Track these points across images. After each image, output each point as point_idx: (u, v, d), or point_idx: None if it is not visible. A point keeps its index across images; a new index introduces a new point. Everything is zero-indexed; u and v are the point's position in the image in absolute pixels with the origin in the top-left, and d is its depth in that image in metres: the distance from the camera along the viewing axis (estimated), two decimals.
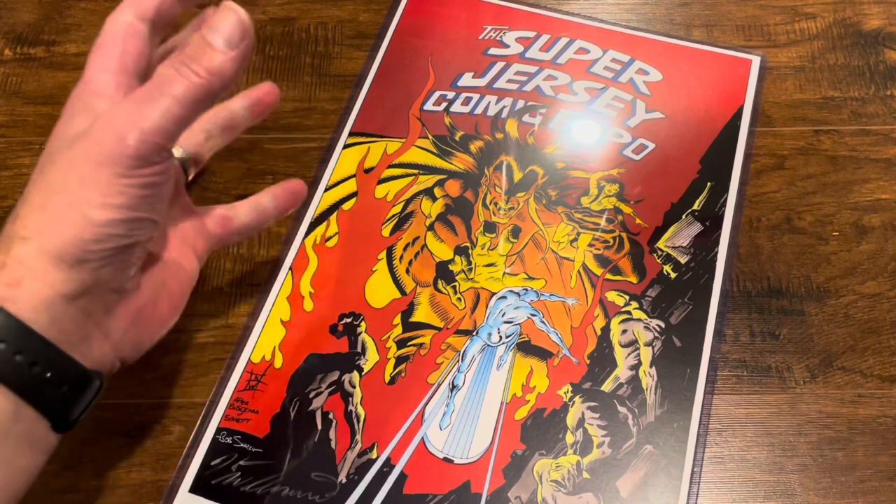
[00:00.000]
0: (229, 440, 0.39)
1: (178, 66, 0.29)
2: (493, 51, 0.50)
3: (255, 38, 0.30)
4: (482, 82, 0.49)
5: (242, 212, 0.39)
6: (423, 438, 0.39)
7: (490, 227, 0.44)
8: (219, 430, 0.39)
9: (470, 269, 0.43)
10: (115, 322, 0.31)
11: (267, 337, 0.41)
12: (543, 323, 0.41)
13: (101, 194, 0.29)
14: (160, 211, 0.31)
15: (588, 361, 0.40)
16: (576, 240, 0.44)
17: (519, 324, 0.41)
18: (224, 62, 0.29)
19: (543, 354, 0.41)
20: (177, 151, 0.38)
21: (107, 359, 0.32)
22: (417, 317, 0.42)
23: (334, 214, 0.45)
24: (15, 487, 0.29)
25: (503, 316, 0.42)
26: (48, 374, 0.28)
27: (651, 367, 0.40)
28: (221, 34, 0.29)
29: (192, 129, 0.38)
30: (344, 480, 0.38)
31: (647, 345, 0.41)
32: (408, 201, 0.45)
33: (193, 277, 0.36)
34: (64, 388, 0.29)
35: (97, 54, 0.31)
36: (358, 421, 0.39)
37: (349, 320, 0.42)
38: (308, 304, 0.42)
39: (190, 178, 0.39)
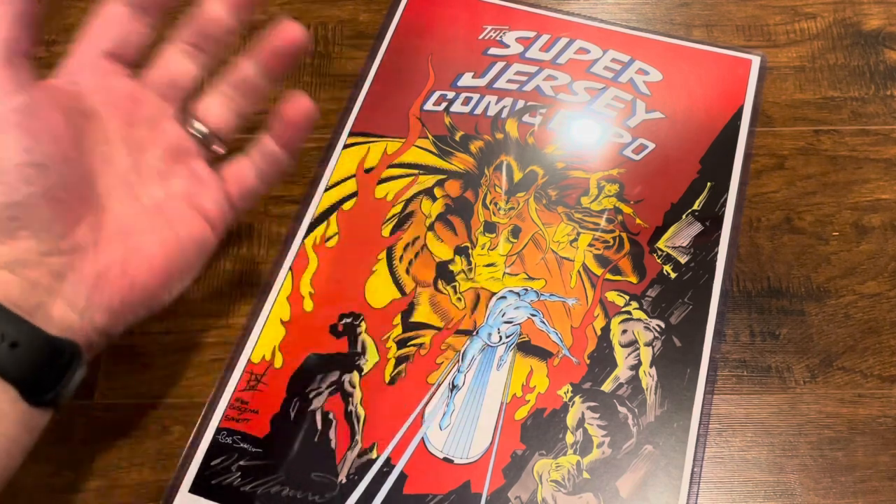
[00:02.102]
0: (229, 440, 0.39)
1: None
2: (493, 51, 0.50)
3: None
4: (482, 82, 0.49)
5: (255, 159, 0.36)
6: (423, 438, 0.39)
7: (490, 227, 0.45)
8: (219, 430, 0.39)
9: (470, 269, 0.43)
10: (72, 287, 0.29)
11: (267, 337, 0.41)
12: (543, 323, 0.41)
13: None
14: (45, 155, 0.29)
15: (588, 361, 0.40)
16: (576, 240, 0.44)
17: (519, 324, 0.41)
18: None
19: (543, 354, 0.41)
20: (195, 127, 0.36)
21: (76, 327, 0.30)
22: (417, 317, 0.42)
23: (334, 214, 0.45)
24: None
25: (503, 316, 0.42)
26: None
27: (651, 367, 0.40)
28: None
29: (206, 99, 0.36)
30: (344, 480, 0.38)
31: (647, 345, 0.41)
32: (408, 201, 0.45)
33: (199, 243, 0.34)
34: (19, 350, 0.27)
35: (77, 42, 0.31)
36: (358, 421, 0.39)
37: (349, 320, 0.42)
38: (308, 304, 0.42)
39: (222, 151, 0.36)
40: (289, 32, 0.35)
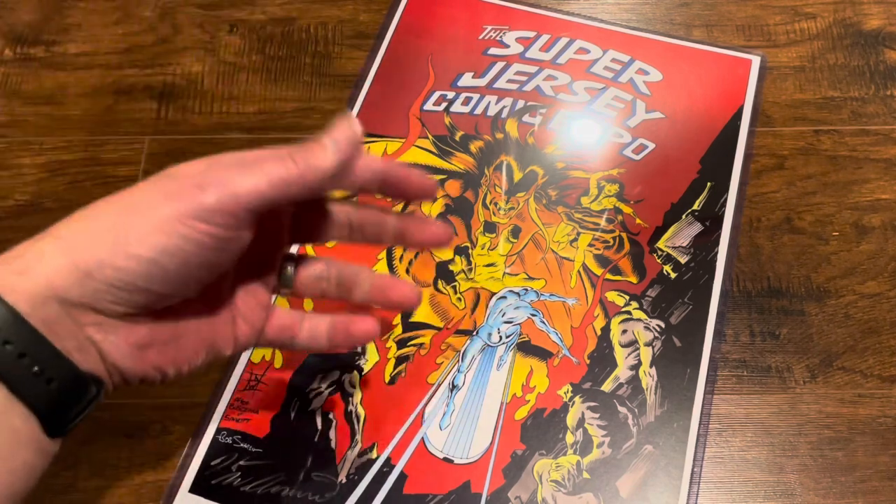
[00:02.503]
0: (229, 440, 0.39)
1: (282, 152, 0.30)
2: (493, 51, 0.50)
3: (360, 148, 0.31)
4: (482, 82, 0.49)
5: (304, 332, 0.36)
6: (423, 438, 0.39)
7: (490, 227, 0.44)
8: (219, 430, 0.39)
9: (470, 269, 0.43)
10: (111, 347, 0.30)
11: None
12: (543, 323, 0.41)
13: (149, 228, 0.28)
14: (192, 278, 0.30)
15: (588, 361, 0.40)
16: (576, 240, 0.44)
17: (519, 324, 0.41)
18: (323, 159, 0.30)
19: (543, 354, 0.41)
20: (288, 269, 0.35)
21: (101, 376, 0.31)
22: (417, 317, 0.42)
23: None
24: (13, 487, 0.29)
25: (503, 316, 0.42)
26: (35, 368, 0.28)
27: (651, 367, 0.40)
28: (331, 135, 0.31)
29: (314, 261, 0.36)
30: (344, 480, 0.38)
31: (647, 345, 0.41)
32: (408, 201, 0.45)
33: (217, 354, 0.34)
34: (53, 386, 0.28)
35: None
36: (358, 421, 0.39)
37: None
38: (308, 304, 0.42)
39: (281, 294, 0.36)
40: (407, 291, 0.36)
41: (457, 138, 0.47)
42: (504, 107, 0.48)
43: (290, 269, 0.35)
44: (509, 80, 0.49)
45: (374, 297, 0.36)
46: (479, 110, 0.48)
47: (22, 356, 0.28)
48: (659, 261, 0.43)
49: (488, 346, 0.41)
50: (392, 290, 0.35)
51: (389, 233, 0.35)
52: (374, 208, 0.35)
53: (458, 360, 0.41)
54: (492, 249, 0.44)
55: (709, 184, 0.45)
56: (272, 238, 0.34)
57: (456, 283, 0.43)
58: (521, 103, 0.48)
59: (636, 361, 0.40)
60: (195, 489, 0.37)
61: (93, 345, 0.30)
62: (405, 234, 0.35)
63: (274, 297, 0.36)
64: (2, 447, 0.28)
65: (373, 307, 0.36)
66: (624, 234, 0.44)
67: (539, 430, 0.39)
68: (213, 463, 0.38)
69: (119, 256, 0.28)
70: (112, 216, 0.29)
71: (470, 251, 0.44)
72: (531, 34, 0.51)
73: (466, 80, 0.49)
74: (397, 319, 0.42)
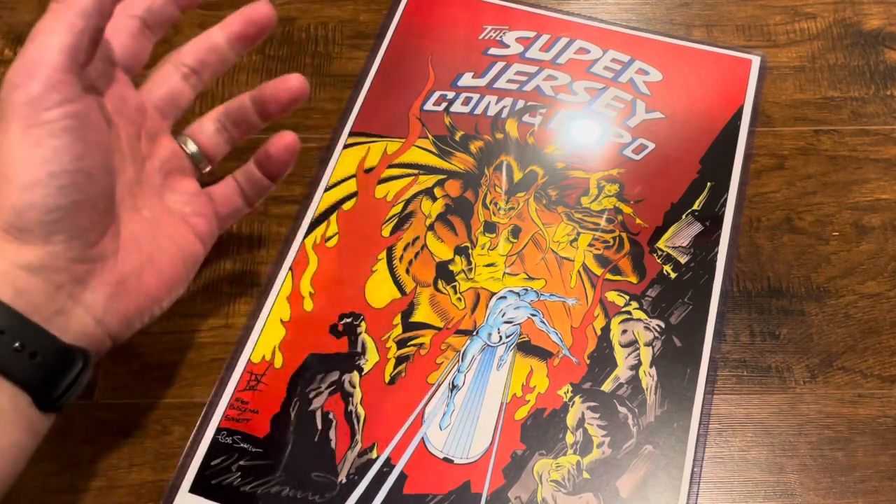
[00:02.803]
0: (229, 440, 0.39)
1: (49, 6, 0.29)
2: (493, 51, 0.50)
3: None
4: (482, 82, 0.49)
5: (241, 183, 0.38)
6: (423, 438, 0.39)
7: (490, 227, 0.45)
8: (219, 430, 0.39)
9: (470, 269, 0.43)
10: (93, 294, 0.30)
11: (267, 337, 0.41)
12: (543, 323, 0.41)
13: (18, 154, 0.28)
14: (93, 163, 0.29)
15: (588, 361, 0.40)
16: (576, 240, 0.44)
17: (519, 324, 0.41)
18: None
19: (543, 354, 0.41)
20: (188, 144, 0.37)
21: (92, 333, 0.31)
22: (417, 317, 0.42)
23: (334, 214, 0.45)
24: (3, 466, 0.28)
25: (503, 316, 0.42)
26: (16, 344, 0.28)
27: (651, 367, 0.40)
28: None
29: (202, 121, 0.38)
30: (344, 480, 0.38)
31: (647, 345, 0.41)
32: (408, 201, 0.45)
33: (192, 256, 0.35)
34: (37, 359, 0.28)
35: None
36: (358, 421, 0.39)
37: (349, 320, 0.42)
38: (308, 304, 0.42)
39: (205, 170, 0.38)
40: (289, 87, 0.37)
41: (457, 138, 0.47)
42: (504, 107, 0.48)
43: (188, 143, 0.37)
44: (509, 80, 0.49)
45: (266, 108, 0.37)
46: (479, 110, 0.48)
47: (0, 333, 0.27)
48: (659, 261, 0.43)
49: (488, 346, 0.41)
50: (278, 90, 0.37)
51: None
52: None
53: (458, 360, 0.41)
54: (492, 249, 0.44)
55: (709, 184, 0.45)
56: (137, 120, 0.34)
57: (456, 283, 0.43)
58: (521, 103, 0.48)
59: (636, 361, 0.40)
60: (195, 489, 0.37)
61: (75, 302, 0.30)
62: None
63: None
64: None
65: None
66: (624, 234, 0.44)
67: (539, 430, 0.39)
68: (213, 463, 0.38)
69: (22, 194, 0.28)
70: None
71: (470, 251, 0.44)
72: (531, 34, 0.51)
73: (466, 80, 0.49)
74: (397, 320, 0.42)
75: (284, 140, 0.38)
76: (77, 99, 0.29)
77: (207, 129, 0.38)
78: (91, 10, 0.29)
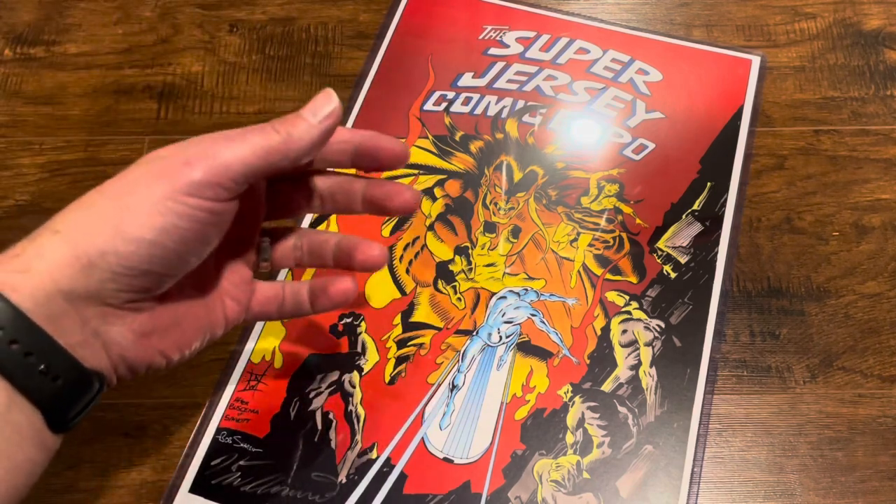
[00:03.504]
0: (229, 440, 0.39)
1: (264, 125, 0.31)
2: (493, 51, 0.50)
3: (339, 121, 0.32)
4: (482, 82, 0.49)
5: (286, 300, 0.37)
6: (423, 438, 0.39)
7: (490, 227, 0.45)
8: (219, 430, 0.39)
9: (470, 269, 0.43)
10: (116, 337, 0.31)
11: (267, 337, 0.41)
12: (543, 323, 0.41)
13: (145, 210, 0.29)
14: (192, 253, 0.31)
15: (588, 361, 0.40)
16: (576, 240, 0.44)
17: (519, 324, 0.41)
18: (305, 129, 0.31)
19: (543, 354, 0.41)
20: (265, 243, 0.37)
21: (104, 370, 0.31)
22: (417, 317, 0.42)
23: (334, 214, 0.45)
24: (16, 480, 0.29)
25: (503, 316, 0.42)
26: (42, 366, 0.28)
27: (651, 367, 0.40)
28: (311, 107, 0.32)
29: (287, 233, 0.37)
30: (344, 480, 0.38)
31: (647, 345, 0.41)
32: None
33: (212, 333, 0.35)
34: (58, 383, 0.29)
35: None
36: (358, 421, 0.39)
37: (349, 320, 0.42)
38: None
39: (260, 269, 0.37)
40: (374, 252, 0.36)
41: (457, 138, 0.47)
42: (504, 107, 0.48)
43: (266, 242, 0.37)
44: (509, 80, 0.49)
45: (341, 259, 0.37)
46: (479, 110, 0.48)
47: (28, 355, 0.28)
48: (659, 261, 0.43)
49: (488, 346, 0.41)
50: (357, 250, 0.36)
51: (359, 199, 0.36)
52: (341, 175, 0.36)
53: (458, 360, 0.41)
54: (492, 249, 0.44)
55: (709, 184, 0.45)
56: (249, 214, 0.35)
57: (456, 283, 0.43)
58: (521, 103, 0.48)
59: (636, 361, 0.40)
60: (195, 489, 0.38)
61: (97, 338, 0.30)
62: (374, 198, 0.36)
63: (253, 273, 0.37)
64: (6, 444, 0.28)
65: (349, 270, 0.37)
66: (624, 234, 0.44)
67: (539, 430, 0.39)
68: (213, 463, 0.38)
69: (119, 242, 0.29)
70: (107, 203, 0.29)
71: (470, 251, 0.44)
72: (531, 34, 0.51)
73: (466, 80, 0.49)
74: (397, 320, 0.42)
75: (345, 285, 0.36)
76: (223, 202, 0.30)
77: (287, 242, 0.38)
78: (293, 154, 0.31)
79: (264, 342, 0.41)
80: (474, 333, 0.41)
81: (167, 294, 0.32)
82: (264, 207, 0.36)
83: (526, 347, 0.41)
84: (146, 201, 0.29)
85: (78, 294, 0.29)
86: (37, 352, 0.28)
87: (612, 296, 0.42)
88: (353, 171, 0.36)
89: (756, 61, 0.50)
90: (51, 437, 0.30)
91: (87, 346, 0.30)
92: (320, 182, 0.36)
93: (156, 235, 0.29)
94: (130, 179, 0.30)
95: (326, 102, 0.32)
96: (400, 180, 0.46)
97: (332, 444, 0.38)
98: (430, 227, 0.45)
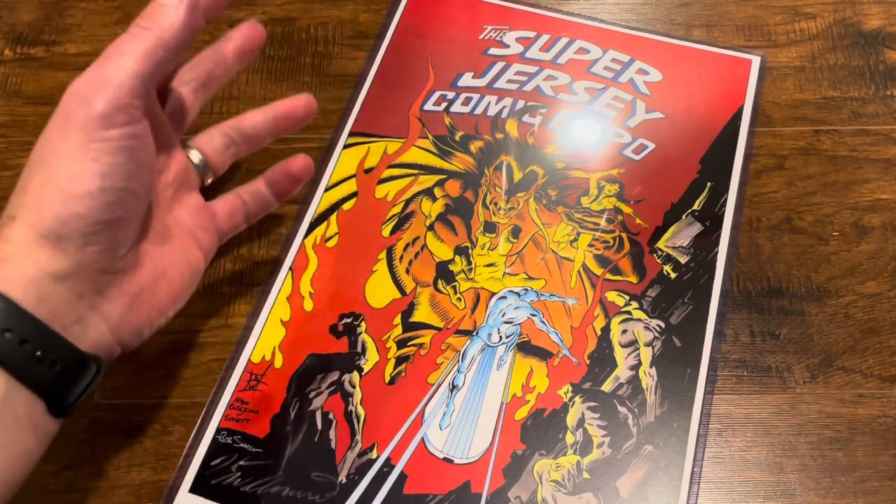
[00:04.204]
0: (229, 440, 0.39)
1: (130, 28, 0.30)
2: (493, 51, 0.50)
3: None
4: (482, 82, 0.49)
5: (247, 202, 0.39)
6: (423, 438, 0.39)
7: (490, 227, 0.45)
8: (219, 430, 0.39)
9: (470, 269, 0.43)
10: (111, 304, 0.31)
11: (267, 337, 0.41)
12: (543, 323, 0.41)
13: (74, 165, 0.29)
14: (140, 183, 0.31)
15: (588, 361, 0.40)
16: (576, 240, 0.44)
17: (519, 324, 0.41)
18: (170, 13, 0.30)
19: (543, 354, 0.41)
20: (194, 155, 0.38)
21: (106, 342, 0.31)
22: (417, 317, 0.42)
23: (334, 214, 0.45)
24: (13, 471, 0.29)
25: (503, 316, 0.42)
26: (38, 353, 0.28)
27: (651, 367, 0.40)
28: None
29: (211, 133, 0.38)
30: (344, 480, 0.38)
31: (647, 345, 0.41)
32: (408, 201, 0.45)
33: (197, 270, 0.36)
34: (57, 368, 0.29)
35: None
36: (358, 421, 0.39)
37: (349, 320, 0.42)
38: (308, 304, 0.42)
39: (207, 182, 0.39)
40: (299, 105, 0.38)
41: (457, 138, 0.47)
42: (504, 107, 0.48)
43: (195, 154, 0.37)
44: (509, 80, 0.49)
45: (282, 126, 0.38)
46: (479, 110, 0.48)
47: (23, 342, 0.28)
48: (659, 261, 0.43)
49: (488, 346, 0.41)
50: (285, 108, 0.38)
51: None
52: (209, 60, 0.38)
53: (458, 361, 0.41)
54: (492, 249, 0.44)
55: (709, 184, 0.45)
56: (161, 137, 0.35)
57: (456, 283, 0.43)
58: (521, 103, 0.48)
59: (636, 361, 0.40)
60: (195, 489, 0.37)
61: (94, 311, 0.30)
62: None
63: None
64: (5, 434, 0.28)
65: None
66: (624, 234, 0.44)
67: (539, 430, 0.39)
68: (213, 463, 0.38)
69: (72, 204, 0.29)
70: (40, 176, 0.29)
71: (470, 251, 0.44)
72: (531, 34, 0.51)
73: (466, 80, 0.49)
74: (397, 320, 0.42)
75: (303, 161, 0.38)
76: (138, 121, 0.30)
77: (215, 142, 0.38)
78: (171, 43, 0.31)
79: (264, 342, 0.41)
80: (474, 333, 0.41)
81: (141, 251, 0.32)
82: (166, 122, 0.36)
83: (526, 347, 0.41)
84: (71, 155, 0.29)
85: (65, 271, 0.29)
86: (31, 339, 0.28)
87: (612, 296, 0.42)
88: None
89: (756, 61, 0.50)
90: (50, 423, 0.30)
91: (84, 322, 0.30)
92: (198, 68, 0.37)
93: (100, 182, 0.29)
94: (46, 145, 0.30)
95: None
96: (400, 180, 0.46)
97: (332, 444, 0.38)
98: (430, 227, 0.45)
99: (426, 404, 0.40)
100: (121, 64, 0.29)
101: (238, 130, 0.38)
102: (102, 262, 0.30)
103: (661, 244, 0.44)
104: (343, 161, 0.46)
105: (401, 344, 0.41)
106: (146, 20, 0.30)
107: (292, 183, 0.38)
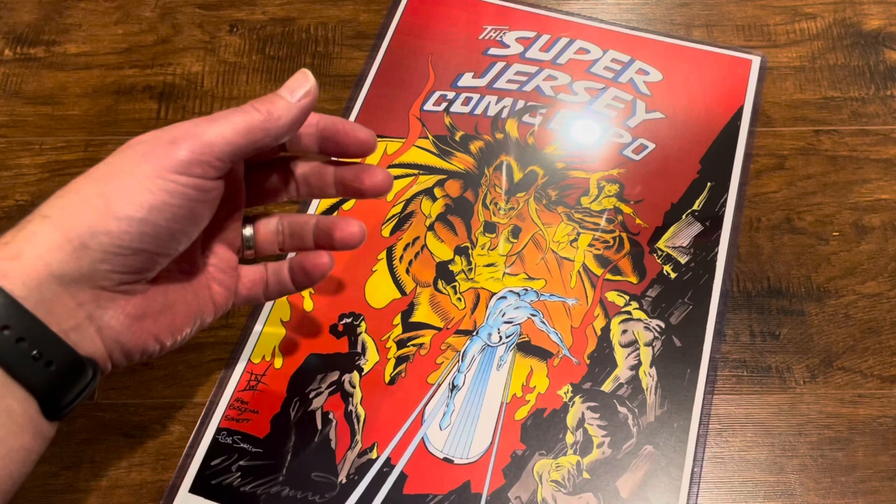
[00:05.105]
0: (229, 440, 0.39)
1: (244, 105, 0.32)
2: (493, 51, 0.50)
3: (316, 99, 0.33)
4: (482, 82, 0.49)
5: (270, 282, 0.38)
6: (423, 438, 0.39)
7: (490, 227, 0.45)
8: (219, 430, 0.39)
9: (470, 269, 0.43)
10: (110, 320, 0.31)
11: (267, 337, 0.41)
12: (543, 323, 0.41)
13: (134, 189, 0.29)
14: (183, 231, 0.31)
15: (588, 361, 0.40)
16: (576, 240, 0.44)
17: (519, 324, 0.41)
18: (284, 107, 0.32)
19: (543, 354, 0.41)
20: (246, 229, 0.37)
21: (99, 355, 0.31)
22: (417, 317, 0.42)
23: (334, 214, 0.45)
24: (10, 470, 0.29)
25: (503, 316, 0.42)
26: (34, 352, 0.28)
27: (651, 367, 0.40)
28: (288, 87, 0.33)
29: (269, 217, 0.38)
30: (344, 480, 0.38)
31: (647, 345, 0.41)
32: (408, 201, 0.45)
33: (203, 320, 0.35)
34: (52, 369, 0.29)
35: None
36: (358, 421, 0.39)
37: (349, 320, 0.42)
38: (308, 304, 0.42)
39: (245, 255, 0.38)
40: (352, 229, 0.37)
41: (457, 138, 0.47)
42: (504, 107, 0.48)
43: (249, 228, 0.37)
44: (509, 81, 0.49)
45: (322, 239, 0.37)
46: (479, 110, 0.48)
47: (20, 340, 0.28)
48: (659, 261, 0.43)
49: (488, 346, 0.41)
50: (336, 228, 0.37)
51: (331, 183, 0.37)
52: (313, 159, 0.37)
53: (458, 361, 0.41)
54: (492, 249, 0.44)
55: (709, 184, 0.45)
56: (232, 199, 0.35)
57: (456, 284, 0.43)
58: (521, 103, 0.48)
59: (636, 361, 0.40)
60: (195, 489, 0.38)
61: (91, 322, 0.30)
62: (345, 180, 0.36)
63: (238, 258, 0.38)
64: (2, 429, 0.28)
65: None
66: (624, 234, 0.44)
67: (539, 430, 0.39)
68: (213, 463, 0.38)
69: (110, 222, 0.29)
70: (94, 186, 0.30)
71: (470, 251, 0.44)
72: (531, 34, 0.51)
73: (466, 80, 0.49)
74: (397, 320, 0.42)
75: (320, 260, 0.37)
76: (211, 179, 0.31)
77: (269, 226, 0.38)
78: (273, 132, 0.32)
79: (264, 342, 0.41)
80: (474, 333, 0.41)
81: (158, 278, 0.32)
82: (244, 193, 0.36)
83: (526, 347, 0.41)
84: (134, 180, 0.29)
85: (71, 277, 0.29)
86: (29, 338, 0.28)
87: (612, 296, 0.42)
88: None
89: (756, 61, 0.50)
90: (46, 425, 0.30)
91: (80, 331, 0.30)
92: (294, 168, 0.37)
93: (146, 213, 0.29)
94: (116, 162, 0.30)
95: (303, 81, 0.33)
96: (400, 180, 0.46)
97: (332, 444, 0.38)
98: (430, 228, 0.45)
99: (426, 404, 0.40)
100: (219, 128, 0.31)
101: (289, 225, 0.38)
102: (111, 280, 0.30)
103: (661, 244, 0.44)
104: None
105: (401, 344, 0.41)
106: (261, 103, 0.32)
107: (310, 280, 0.38)
